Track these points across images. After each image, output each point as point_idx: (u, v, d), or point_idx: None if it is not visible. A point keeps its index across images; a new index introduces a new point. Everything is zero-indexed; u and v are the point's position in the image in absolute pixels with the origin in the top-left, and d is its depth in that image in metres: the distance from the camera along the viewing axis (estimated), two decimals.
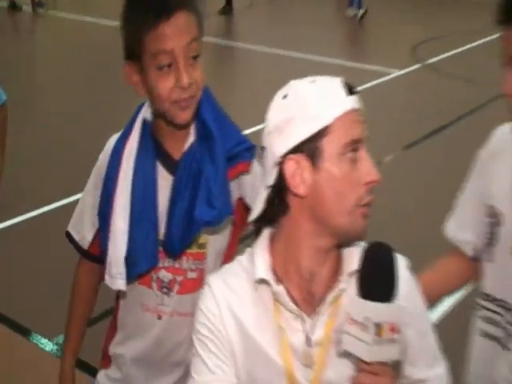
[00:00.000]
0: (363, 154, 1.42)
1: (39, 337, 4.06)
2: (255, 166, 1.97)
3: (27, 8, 14.24)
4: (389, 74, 9.25)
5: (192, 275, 2.01)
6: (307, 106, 1.41)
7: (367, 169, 1.42)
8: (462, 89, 9.01)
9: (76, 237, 2.11)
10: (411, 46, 11.13)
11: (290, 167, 1.42)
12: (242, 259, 1.57)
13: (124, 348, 2.12)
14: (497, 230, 1.85)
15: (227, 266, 1.59)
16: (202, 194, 1.89)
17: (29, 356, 3.86)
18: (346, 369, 1.46)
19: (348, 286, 1.47)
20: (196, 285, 2.00)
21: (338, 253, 1.52)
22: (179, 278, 2.01)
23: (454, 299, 4.24)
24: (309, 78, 1.46)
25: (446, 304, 4.27)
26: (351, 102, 1.42)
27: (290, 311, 1.48)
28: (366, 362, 1.32)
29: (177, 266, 1.99)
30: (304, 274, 1.49)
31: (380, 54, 10.39)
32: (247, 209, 2.00)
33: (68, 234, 2.13)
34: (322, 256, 1.49)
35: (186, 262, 1.99)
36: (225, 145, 1.92)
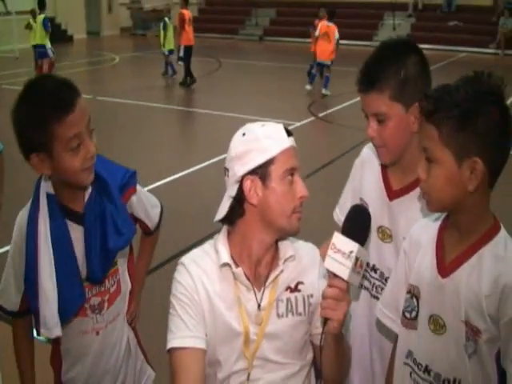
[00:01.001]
0: (297, 178, 1.54)
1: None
2: (138, 187, 2.01)
3: None
4: (291, 125, 9.40)
5: (113, 289, 1.97)
6: (260, 142, 1.50)
7: (300, 188, 1.54)
8: (344, 133, 9.29)
9: (5, 305, 1.91)
10: (307, 104, 11.35)
11: (247, 184, 1.51)
12: (205, 248, 1.64)
13: (74, 371, 1.99)
14: None
15: (195, 252, 1.64)
16: (110, 227, 1.84)
17: None
18: (281, 324, 1.59)
19: (284, 268, 1.59)
20: (117, 294, 2.00)
21: (276, 244, 1.62)
22: (106, 297, 1.95)
23: None
24: (260, 123, 1.55)
25: None
26: (290, 141, 1.53)
27: (246, 286, 1.57)
28: (343, 280, 1.39)
29: (102, 289, 1.93)
30: (254, 259, 1.58)
31: (284, 111, 10.55)
32: (136, 219, 2.05)
33: None
34: (266, 247, 1.59)
35: (108, 283, 1.95)
36: (115, 181, 1.88)
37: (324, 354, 1.51)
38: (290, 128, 1.59)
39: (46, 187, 1.81)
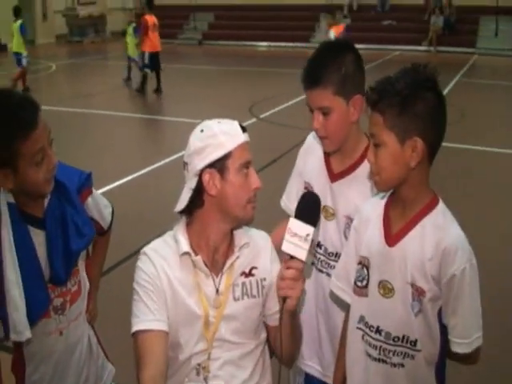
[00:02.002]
0: (252, 171, 1.66)
1: None
2: (93, 190, 2.08)
3: None
4: None
5: (74, 288, 2.03)
6: (217, 138, 1.61)
7: (254, 180, 1.66)
8: (286, 132, 9.47)
9: None
10: (247, 106, 11.48)
11: (206, 177, 1.62)
12: (166, 238, 1.73)
13: (38, 373, 2.01)
14: None
15: (156, 242, 1.73)
16: (72, 230, 1.90)
17: None
18: (237, 307, 1.70)
19: (240, 254, 1.71)
20: (79, 293, 2.05)
21: (232, 233, 1.73)
22: (68, 298, 2.00)
23: None
24: (216, 120, 1.67)
25: None
26: (245, 137, 1.64)
27: (204, 273, 1.68)
28: (302, 261, 1.55)
29: (64, 289, 1.98)
30: (211, 247, 1.69)
31: (227, 115, 10.67)
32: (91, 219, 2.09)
33: None
34: (223, 235, 1.70)
35: (69, 283, 2.00)
36: (72, 184, 1.95)
37: (281, 330, 1.63)
38: None
39: (6, 196, 1.84)
